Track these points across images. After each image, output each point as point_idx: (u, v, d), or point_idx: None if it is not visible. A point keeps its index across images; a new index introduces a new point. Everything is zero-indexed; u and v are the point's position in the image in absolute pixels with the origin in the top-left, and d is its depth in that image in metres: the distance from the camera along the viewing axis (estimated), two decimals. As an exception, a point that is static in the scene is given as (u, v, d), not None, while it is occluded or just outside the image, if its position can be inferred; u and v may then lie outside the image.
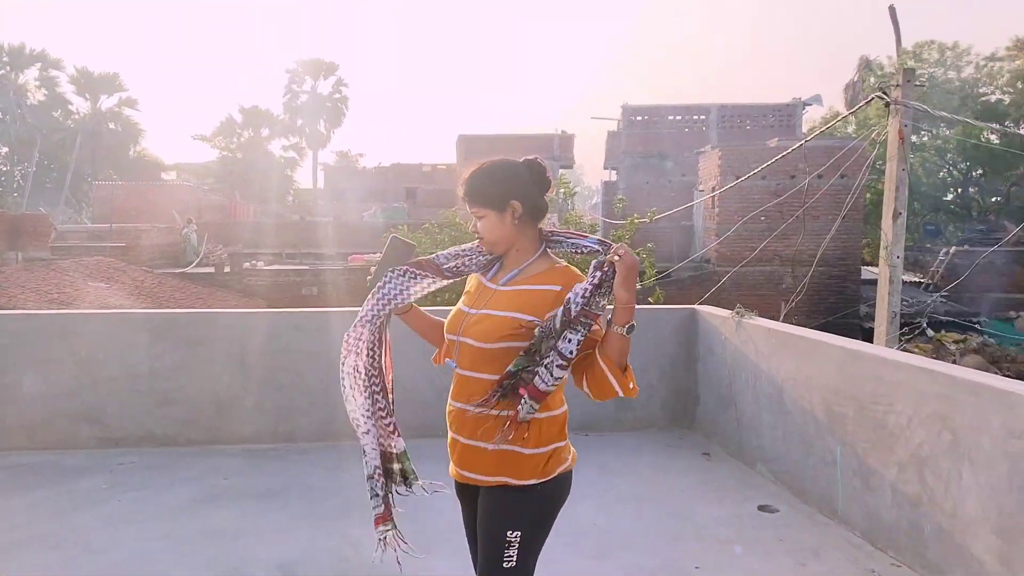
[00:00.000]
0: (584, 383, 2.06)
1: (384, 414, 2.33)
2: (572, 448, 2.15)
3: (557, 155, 32.40)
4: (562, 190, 13.53)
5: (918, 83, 7.53)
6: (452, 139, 40.20)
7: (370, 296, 2.22)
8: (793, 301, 12.33)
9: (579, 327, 1.94)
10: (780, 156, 10.98)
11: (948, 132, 29.89)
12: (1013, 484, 2.87)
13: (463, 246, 2.24)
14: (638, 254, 13.32)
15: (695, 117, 31.31)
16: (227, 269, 18.33)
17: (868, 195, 25.16)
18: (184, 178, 44.19)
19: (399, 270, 2.19)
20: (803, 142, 11.07)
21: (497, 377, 1.99)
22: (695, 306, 5.72)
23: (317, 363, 5.25)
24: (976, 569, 3.05)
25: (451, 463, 2.23)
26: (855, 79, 35.01)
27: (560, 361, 1.94)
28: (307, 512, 4.07)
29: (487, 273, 2.18)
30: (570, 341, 1.94)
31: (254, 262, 19.08)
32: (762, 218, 18.84)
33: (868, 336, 16.02)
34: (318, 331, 5.32)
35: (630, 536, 3.85)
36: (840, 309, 19.44)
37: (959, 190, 35.80)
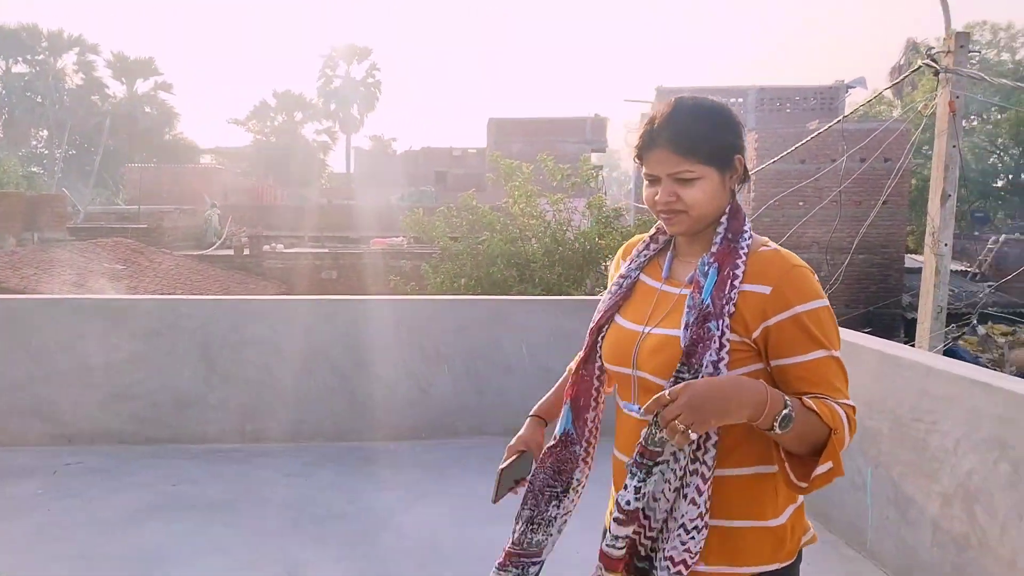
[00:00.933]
0: None
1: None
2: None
3: (590, 138, 31.65)
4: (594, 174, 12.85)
5: (972, 49, 6.74)
6: (481, 124, 39.60)
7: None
8: (829, 289, 11.56)
9: (636, 471, 1.32)
10: (814, 135, 10.20)
11: (1000, 116, 28.41)
12: (1094, 536, 2.24)
13: (632, 256, 1.56)
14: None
15: (732, 100, 30.27)
16: (246, 252, 18.07)
17: (914, 180, 23.99)
18: (220, 162, 44.37)
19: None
20: (839, 120, 10.28)
21: None
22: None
23: (285, 357, 4.76)
24: (1041, 635, 2.43)
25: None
26: (901, 62, 33.52)
27: (617, 514, 1.36)
28: (254, 529, 3.58)
29: (652, 268, 1.52)
30: (626, 488, 1.33)
31: (274, 245, 18.79)
32: (800, 203, 17.96)
33: (911, 327, 15.14)
34: (287, 322, 4.83)
35: None
36: (882, 299, 18.50)
37: (1010, 176, 34.14)
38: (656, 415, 1.27)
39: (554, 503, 1.56)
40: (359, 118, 48.14)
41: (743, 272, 1.35)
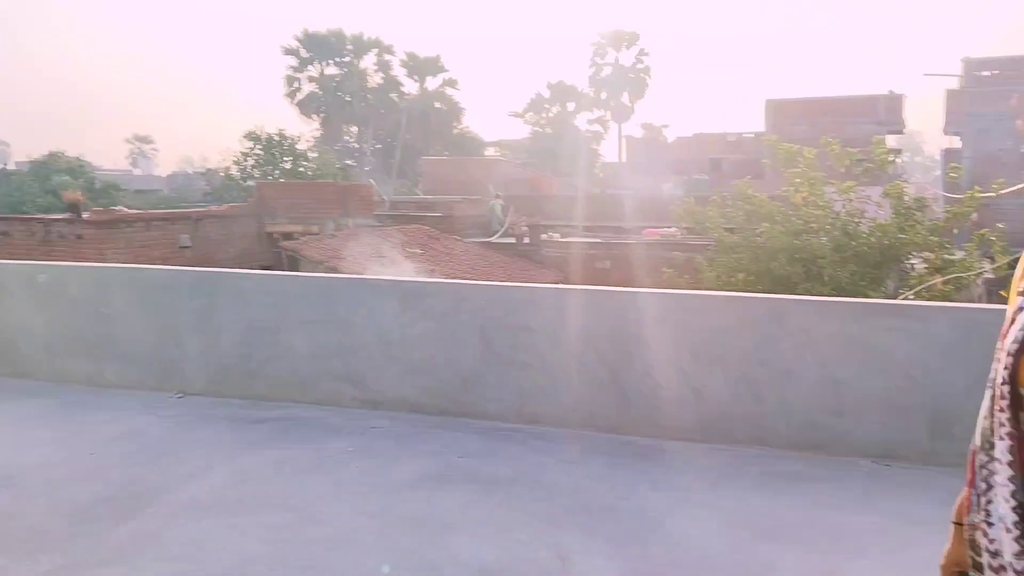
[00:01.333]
0: None
1: None
2: None
3: (883, 119, 28.60)
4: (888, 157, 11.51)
5: None
6: (759, 107, 37.56)
7: None
8: None
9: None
10: None
11: None
12: None
13: None
14: (982, 236, 10.99)
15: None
16: (526, 240, 18.95)
17: None
18: (503, 154, 47.24)
19: None
20: None
21: None
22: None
23: (557, 344, 4.86)
24: None
25: None
26: None
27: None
28: (527, 509, 3.70)
29: None
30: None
31: (551, 234, 19.49)
32: None
33: None
34: (558, 310, 4.92)
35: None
36: None
37: None
38: None
39: None
40: (629, 106, 48.17)
41: None
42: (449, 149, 45.84)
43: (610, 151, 51.99)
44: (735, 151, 36.03)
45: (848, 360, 4.47)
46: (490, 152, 49.23)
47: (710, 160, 35.99)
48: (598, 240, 18.58)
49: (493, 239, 20.51)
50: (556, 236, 19.08)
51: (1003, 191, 11.00)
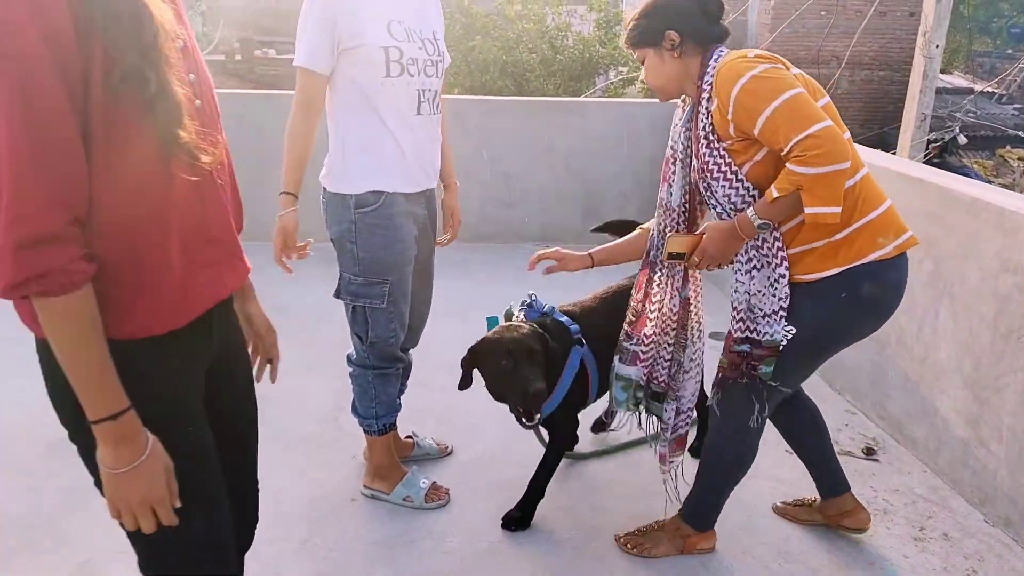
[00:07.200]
0: None
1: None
2: None
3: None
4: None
5: None
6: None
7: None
8: (845, 108, 11.00)
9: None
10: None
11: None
12: (997, 331, 2.21)
13: None
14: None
15: None
16: (238, 58, 17.35)
17: (952, -10, 22.18)
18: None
19: None
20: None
21: None
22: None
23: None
24: (940, 427, 2.48)
25: None
26: None
27: None
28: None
29: None
30: None
31: (266, 50, 17.97)
32: (822, 13, 16.80)
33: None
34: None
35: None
36: (899, 118, 17.80)
37: (1060, -13, 31.58)
38: None
39: None
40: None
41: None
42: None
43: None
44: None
45: (518, 155, 4.79)
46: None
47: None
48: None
49: (207, 56, 18.51)
50: (272, 52, 17.66)
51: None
